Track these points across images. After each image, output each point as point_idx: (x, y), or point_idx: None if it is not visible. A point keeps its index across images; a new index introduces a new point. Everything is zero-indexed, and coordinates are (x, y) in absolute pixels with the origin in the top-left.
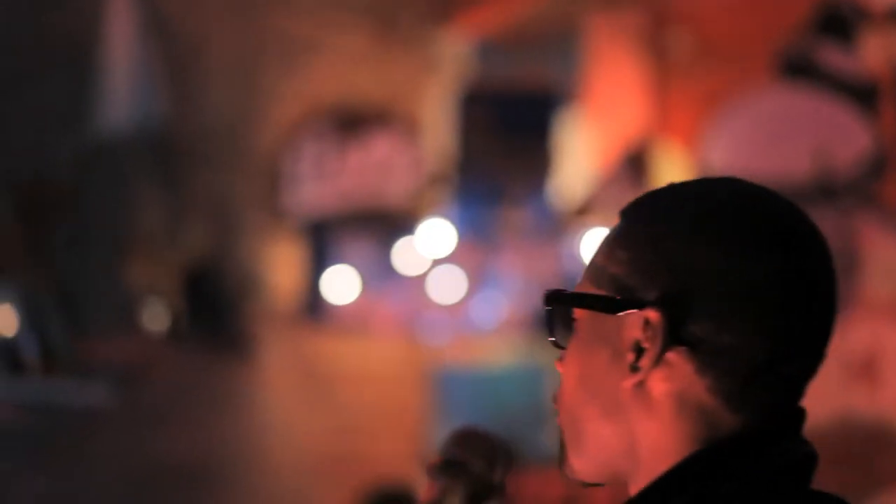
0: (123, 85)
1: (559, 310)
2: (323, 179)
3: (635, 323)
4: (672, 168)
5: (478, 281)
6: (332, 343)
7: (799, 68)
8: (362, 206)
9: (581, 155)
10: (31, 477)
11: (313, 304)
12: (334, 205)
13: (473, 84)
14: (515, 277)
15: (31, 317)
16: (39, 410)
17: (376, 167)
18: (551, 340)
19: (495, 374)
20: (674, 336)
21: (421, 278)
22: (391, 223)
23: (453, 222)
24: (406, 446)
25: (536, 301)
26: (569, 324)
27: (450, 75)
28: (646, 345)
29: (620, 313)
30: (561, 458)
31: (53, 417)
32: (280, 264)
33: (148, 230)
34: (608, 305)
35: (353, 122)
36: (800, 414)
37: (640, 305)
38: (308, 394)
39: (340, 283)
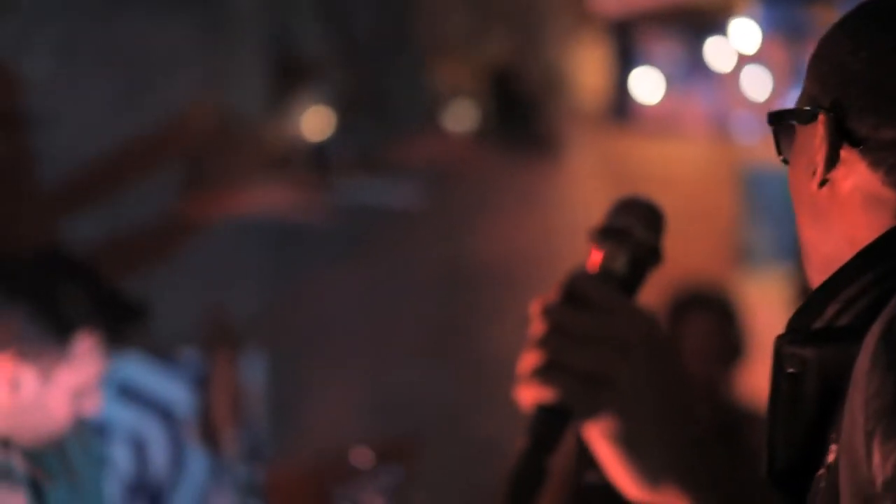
0: None
1: (780, 127)
2: None
3: (818, 130)
4: None
5: (788, 78)
6: (640, 144)
7: None
8: (669, 4)
9: None
10: (344, 277)
11: (620, 105)
12: (640, 3)
13: None
14: None
15: (344, 118)
16: (352, 211)
17: None
18: (782, 158)
19: None
20: (844, 136)
21: (730, 76)
22: (699, 20)
23: (762, 18)
24: (717, 248)
25: None
26: (790, 140)
27: None
28: (821, 146)
29: (807, 123)
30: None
31: (365, 218)
32: (585, 64)
33: (454, 32)
34: (800, 117)
35: None
36: None
37: (818, 112)
38: (614, 195)
39: (647, 83)
